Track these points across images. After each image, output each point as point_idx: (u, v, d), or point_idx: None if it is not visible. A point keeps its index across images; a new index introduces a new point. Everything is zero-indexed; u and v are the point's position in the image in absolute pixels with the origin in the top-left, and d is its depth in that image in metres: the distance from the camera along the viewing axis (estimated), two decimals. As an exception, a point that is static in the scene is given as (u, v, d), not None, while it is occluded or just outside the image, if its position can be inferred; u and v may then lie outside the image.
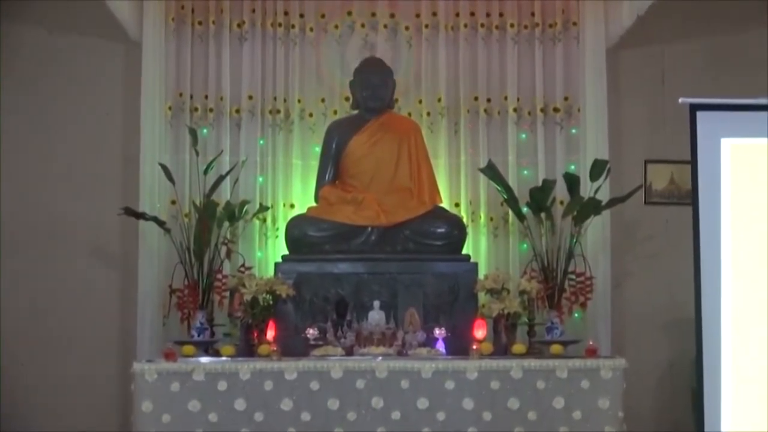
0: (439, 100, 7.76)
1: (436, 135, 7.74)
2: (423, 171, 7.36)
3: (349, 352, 6.29)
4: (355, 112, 7.54)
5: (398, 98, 7.70)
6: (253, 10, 7.74)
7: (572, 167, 7.60)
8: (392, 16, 7.86)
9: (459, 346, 6.39)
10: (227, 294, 6.99)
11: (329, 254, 6.95)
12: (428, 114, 7.76)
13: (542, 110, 7.74)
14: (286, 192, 7.68)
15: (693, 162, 4.96)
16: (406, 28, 7.85)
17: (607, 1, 7.67)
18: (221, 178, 7.29)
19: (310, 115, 7.76)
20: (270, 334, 6.25)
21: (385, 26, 7.86)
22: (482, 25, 7.80)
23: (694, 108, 4.97)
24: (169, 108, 7.59)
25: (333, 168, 7.41)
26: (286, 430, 5.97)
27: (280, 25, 7.76)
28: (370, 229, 7.03)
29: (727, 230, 4.88)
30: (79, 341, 7.48)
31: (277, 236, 7.54)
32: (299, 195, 7.66)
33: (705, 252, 4.88)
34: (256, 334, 6.57)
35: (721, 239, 4.87)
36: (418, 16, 7.84)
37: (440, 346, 6.41)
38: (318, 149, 7.57)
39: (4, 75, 7.60)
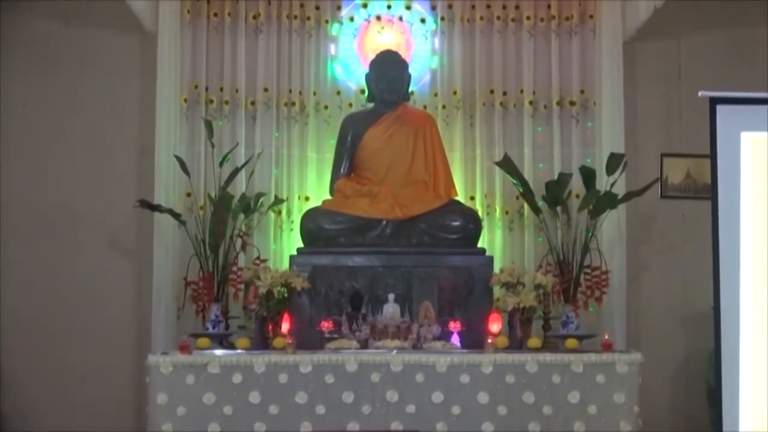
0: (455, 93, 7.73)
1: (452, 128, 7.71)
2: (438, 164, 7.35)
3: (363, 345, 6.29)
4: (371, 105, 7.52)
5: (413, 91, 7.68)
6: (269, 2, 7.73)
7: (588, 161, 7.58)
8: (408, 8, 7.83)
9: (474, 340, 6.38)
10: (242, 286, 7.01)
11: (344, 247, 6.95)
12: (444, 107, 7.74)
13: (558, 103, 7.71)
14: (301, 184, 7.67)
15: (712, 156, 4.92)
16: (422, 20, 7.82)
17: (625, -7, 7.65)
18: (236, 171, 7.28)
19: (325, 107, 7.74)
20: (285, 326, 6.26)
21: (401, 19, 7.83)
22: (498, 18, 7.77)
23: (714, 101, 4.93)
24: (185, 100, 7.59)
25: (348, 161, 7.41)
26: (301, 423, 5.97)
27: (295, 17, 7.75)
28: (385, 222, 7.02)
29: (747, 225, 4.84)
30: (94, 334, 7.49)
31: (292, 229, 7.53)
32: (314, 188, 7.65)
33: (724, 247, 4.85)
34: (270, 327, 6.56)
35: (741, 234, 4.84)
36: (434, 8, 7.82)
37: (455, 340, 6.41)
38: (333, 142, 7.56)
39: (20, 67, 7.62)
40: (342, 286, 6.79)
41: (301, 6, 7.76)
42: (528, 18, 7.76)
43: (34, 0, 7.58)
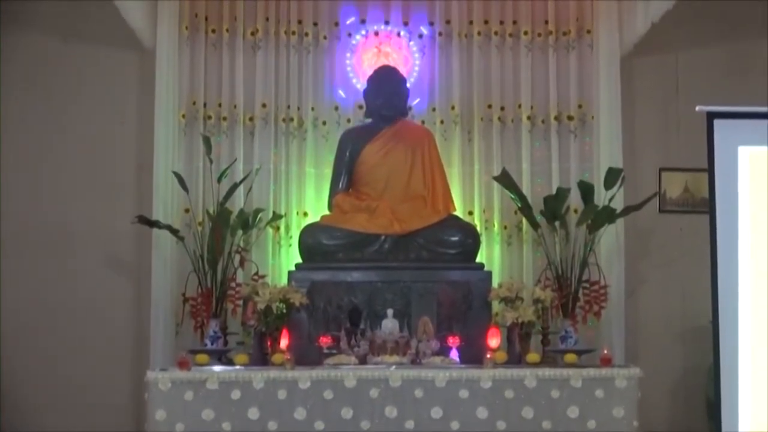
0: (453, 108, 7.74)
1: (450, 143, 7.72)
2: (437, 179, 7.35)
3: (362, 360, 6.27)
4: (369, 120, 7.53)
5: (411, 106, 7.69)
6: (267, 18, 7.74)
7: (586, 175, 7.57)
8: (406, 23, 7.85)
9: (473, 355, 6.36)
10: (241, 302, 6.99)
11: (342, 262, 6.95)
12: (442, 122, 7.74)
13: (556, 118, 7.72)
14: (299, 200, 7.68)
15: (710, 170, 4.93)
16: (420, 36, 7.84)
17: (622, 6, 7.63)
18: (235, 187, 7.29)
19: (324, 123, 7.75)
20: (283, 342, 6.24)
21: (399, 34, 7.85)
22: (496, 33, 7.79)
23: (712, 116, 4.95)
24: (183, 116, 7.60)
25: (346, 176, 7.41)
26: (300, 438, 5.97)
27: (293, 32, 7.76)
28: (383, 237, 7.02)
29: (745, 238, 4.86)
30: (93, 349, 7.48)
31: (290, 244, 7.53)
32: (312, 203, 7.65)
33: (722, 260, 4.87)
34: (269, 343, 6.56)
35: (739, 247, 4.86)
36: (431, 23, 7.83)
37: (454, 355, 6.40)
38: (331, 157, 7.56)
39: (19, 83, 7.63)
40: (340, 301, 6.79)
41: (299, 22, 7.77)
42: (525, 33, 7.77)
43: (33, 16, 7.60)
